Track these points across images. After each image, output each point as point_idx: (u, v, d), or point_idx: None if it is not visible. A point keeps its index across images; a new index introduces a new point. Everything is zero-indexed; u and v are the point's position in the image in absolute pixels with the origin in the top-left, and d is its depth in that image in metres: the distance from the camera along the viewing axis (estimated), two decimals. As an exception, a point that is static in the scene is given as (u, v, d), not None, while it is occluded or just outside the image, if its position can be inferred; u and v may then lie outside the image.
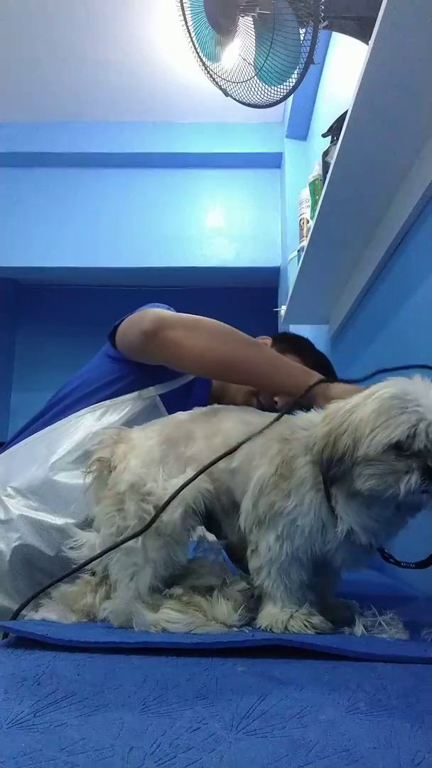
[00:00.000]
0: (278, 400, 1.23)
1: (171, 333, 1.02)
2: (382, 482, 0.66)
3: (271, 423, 0.81)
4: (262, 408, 1.21)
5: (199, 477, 0.79)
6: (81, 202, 3.63)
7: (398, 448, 0.65)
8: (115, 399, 1.12)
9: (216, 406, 0.94)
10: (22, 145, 3.57)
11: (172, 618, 0.72)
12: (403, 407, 0.66)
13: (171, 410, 1.10)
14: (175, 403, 1.13)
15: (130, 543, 0.78)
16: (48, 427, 1.13)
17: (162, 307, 1.14)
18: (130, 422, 1.09)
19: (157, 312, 1.04)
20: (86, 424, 1.10)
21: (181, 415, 0.91)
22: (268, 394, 1.19)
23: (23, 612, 0.81)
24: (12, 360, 4.64)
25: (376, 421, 0.66)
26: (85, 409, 1.12)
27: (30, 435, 1.15)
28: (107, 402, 1.12)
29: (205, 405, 0.98)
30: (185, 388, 1.16)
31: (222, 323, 1.06)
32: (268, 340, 1.35)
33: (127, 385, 1.14)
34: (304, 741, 0.42)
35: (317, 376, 1.00)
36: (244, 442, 0.80)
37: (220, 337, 1.02)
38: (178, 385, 1.15)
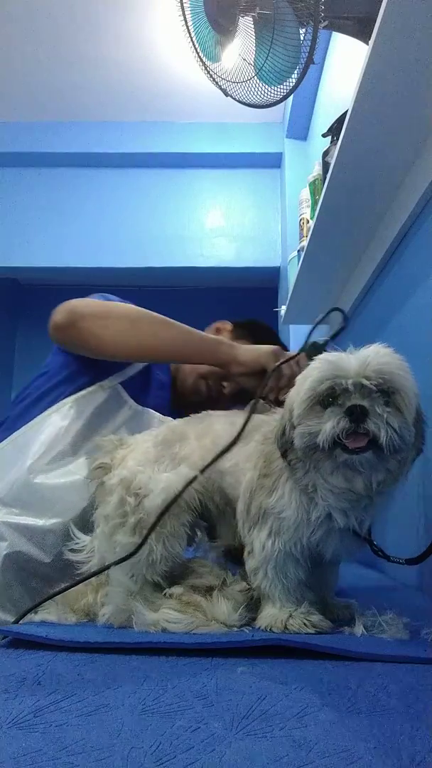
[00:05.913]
0: (226, 385, 1.27)
1: (83, 324, 1.03)
2: (311, 435, 0.68)
3: (245, 424, 0.85)
4: (210, 391, 1.26)
5: (190, 472, 0.82)
6: (81, 202, 3.63)
7: (323, 405, 0.69)
8: (77, 394, 1.11)
9: (209, 411, 0.96)
10: (23, 145, 3.57)
11: (172, 618, 0.72)
12: (320, 366, 0.71)
13: (134, 396, 1.12)
14: (137, 388, 1.13)
15: (124, 539, 0.79)
16: (15, 433, 1.10)
17: (99, 298, 1.14)
18: (97, 413, 1.09)
19: (68, 304, 1.05)
20: (53, 422, 1.08)
21: (176, 421, 0.95)
22: (216, 379, 1.23)
23: (23, 612, 0.81)
24: (12, 360, 4.63)
25: (299, 384, 0.72)
26: (51, 408, 1.11)
27: None
28: (70, 398, 1.11)
29: (168, 386, 1.06)
30: (144, 371, 1.17)
31: (135, 307, 1.08)
32: (228, 326, 1.35)
33: (86, 377, 1.13)
34: (304, 741, 0.42)
35: (226, 342, 1.07)
36: (231, 445, 0.83)
37: (130, 322, 1.05)
38: (136, 371, 1.16)
